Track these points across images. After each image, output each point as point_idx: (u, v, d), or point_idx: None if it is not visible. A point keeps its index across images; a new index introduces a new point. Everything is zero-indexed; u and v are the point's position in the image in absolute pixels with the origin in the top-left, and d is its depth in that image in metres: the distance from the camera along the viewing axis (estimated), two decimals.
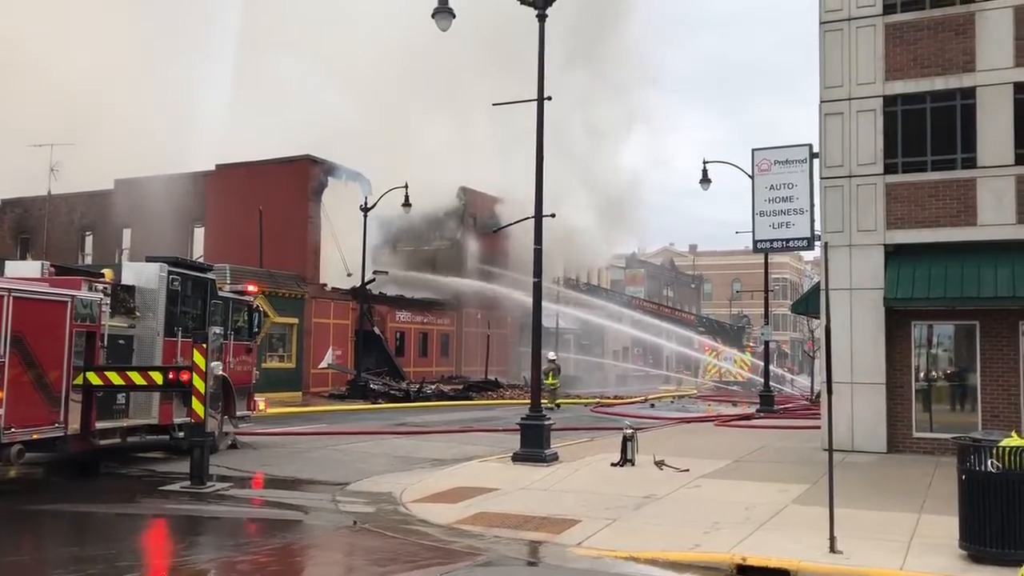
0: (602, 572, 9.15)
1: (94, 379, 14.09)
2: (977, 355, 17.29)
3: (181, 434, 16.19)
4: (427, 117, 50.30)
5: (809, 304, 23.04)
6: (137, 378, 14.43)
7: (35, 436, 13.23)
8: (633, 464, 15.30)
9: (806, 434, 20.96)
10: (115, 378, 14.27)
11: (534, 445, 15.88)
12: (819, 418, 18.90)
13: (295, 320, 38.43)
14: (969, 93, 17.28)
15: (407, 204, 37.79)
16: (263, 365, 30.54)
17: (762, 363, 36.20)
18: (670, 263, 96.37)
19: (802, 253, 73.46)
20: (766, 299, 33.09)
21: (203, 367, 13.72)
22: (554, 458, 15.88)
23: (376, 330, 42.15)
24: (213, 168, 42.94)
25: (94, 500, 13.02)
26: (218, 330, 16.65)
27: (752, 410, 31.06)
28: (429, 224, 47.95)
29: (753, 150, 24.89)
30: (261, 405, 19.89)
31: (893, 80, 17.92)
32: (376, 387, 36.96)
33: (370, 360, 40.41)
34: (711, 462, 15.94)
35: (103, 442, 14.87)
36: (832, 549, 9.32)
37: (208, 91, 53.26)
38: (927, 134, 17.75)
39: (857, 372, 17.53)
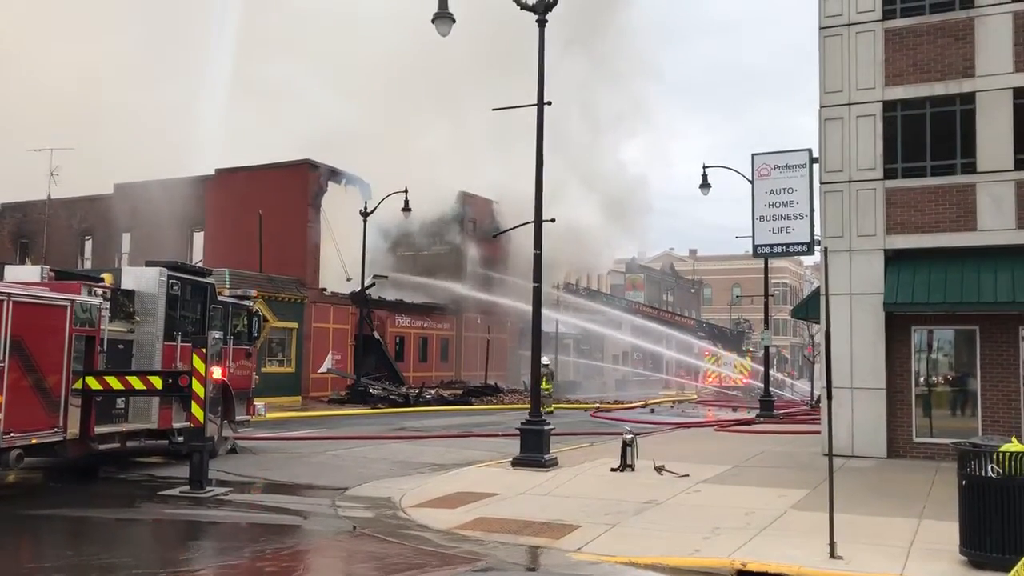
0: None
1: (93, 384, 14.08)
2: (977, 360, 17.28)
3: (180, 439, 16.17)
4: (427, 120, 50.45)
5: (809, 309, 23.04)
6: (136, 383, 14.41)
7: (34, 441, 13.21)
8: (633, 469, 15.27)
9: (806, 439, 20.93)
10: (114, 383, 14.26)
11: (534, 450, 15.86)
12: (819, 423, 18.89)
13: (295, 325, 38.43)
14: (969, 98, 17.30)
15: (407, 209, 37.81)
16: (263, 370, 30.50)
17: (762, 368, 36.19)
18: (670, 268, 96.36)
19: (802, 258, 73.56)
20: (766, 304, 33.09)
21: (202, 371, 13.71)
22: (554, 463, 15.86)
23: (376, 335, 42.14)
24: (213, 172, 42.99)
25: (93, 505, 13.00)
26: (217, 334, 16.62)
27: (752, 415, 31.02)
28: (429, 229, 47.99)
29: (753, 155, 24.91)
30: (261, 410, 19.86)
31: (893, 85, 17.93)
32: (376, 392, 36.94)
33: (370, 365, 40.40)
34: (711, 467, 15.92)
35: (102, 447, 14.84)
36: (832, 555, 9.30)
37: (208, 96, 53.21)
38: (927, 139, 17.76)
39: (857, 377, 17.52)
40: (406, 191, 37.17)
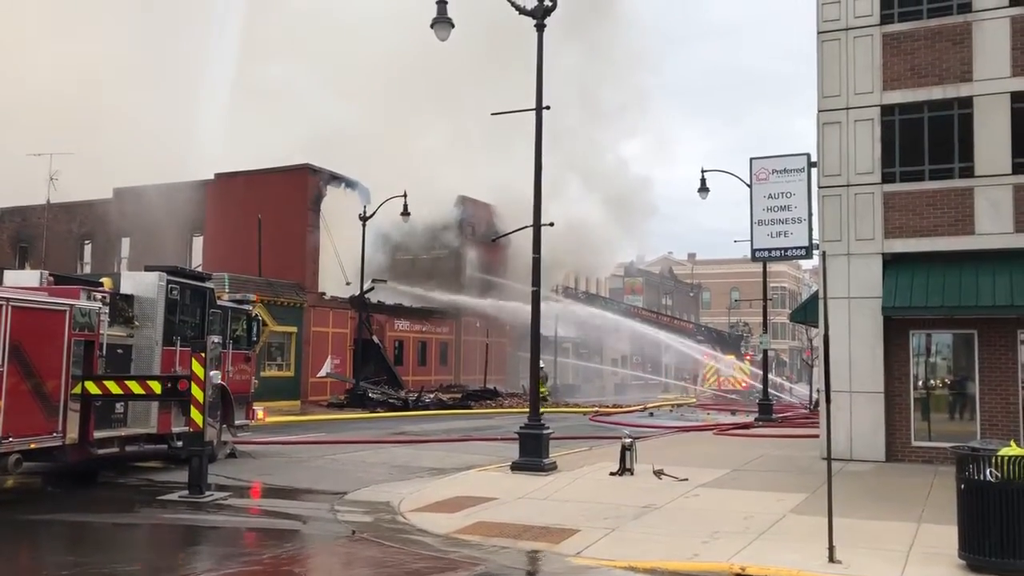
0: None
1: (92, 388, 14.07)
2: (975, 364, 17.30)
3: (179, 443, 16.15)
4: (426, 123, 50.49)
5: (807, 313, 23.05)
6: (135, 387, 14.41)
7: (33, 445, 13.20)
8: (632, 473, 15.28)
9: (805, 443, 20.94)
10: (113, 387, 14.25)
11: (533, 454, 15.86)
12: (818, 427, 18.89)
13: (294, 329, 38.43)
14: (966, 102, 17.34)
15: (406, 213, 37.82)
16: (262, 374, 30.51)
17: (761, 372, 36.20)
18: (669, 272, 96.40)
19: (800, 262, 73.54)
20: (764, 308, 33.10)
21: (201, 376, 13.72)
22: (553, 467, 15.86)
23: (375, 339, 42.13)
24: (212, 177, 42.99)
25: (92, 510, 13.00)
26: (217, 339, 16.65)
27: (751, 419, 31.03)
28: (428, 233, 48.01)
29: (751, 159, 24.93)
30: (260, 414, 19.85)
31: (891, 90, 17.97)
32: (375, 396, 36.91)
33: (369, 369, 40.39)
34: (710, 471, 15.92)
35: (101, 451, 14.83)
36: (831, 559, 9.31)
37: (208, 100, 53.31)
38: (925, 143, 17.79)
39: (855, 381, 17.54)
40: (405, 195, 37.19)
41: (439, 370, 50.12)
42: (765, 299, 33.22)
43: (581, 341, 64.58)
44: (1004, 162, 16.95)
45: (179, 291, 16.76)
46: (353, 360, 40.75)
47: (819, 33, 18.68)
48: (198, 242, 43.91)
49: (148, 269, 17.10)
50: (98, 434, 14.53)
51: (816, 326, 21.12)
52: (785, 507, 12.51)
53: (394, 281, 45.28)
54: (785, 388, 61.31)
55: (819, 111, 18.59)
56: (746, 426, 28.50)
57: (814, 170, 21.47)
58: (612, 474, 15.29)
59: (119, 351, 15.53)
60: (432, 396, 39.20)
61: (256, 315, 20.63)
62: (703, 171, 32.72)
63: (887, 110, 18.00)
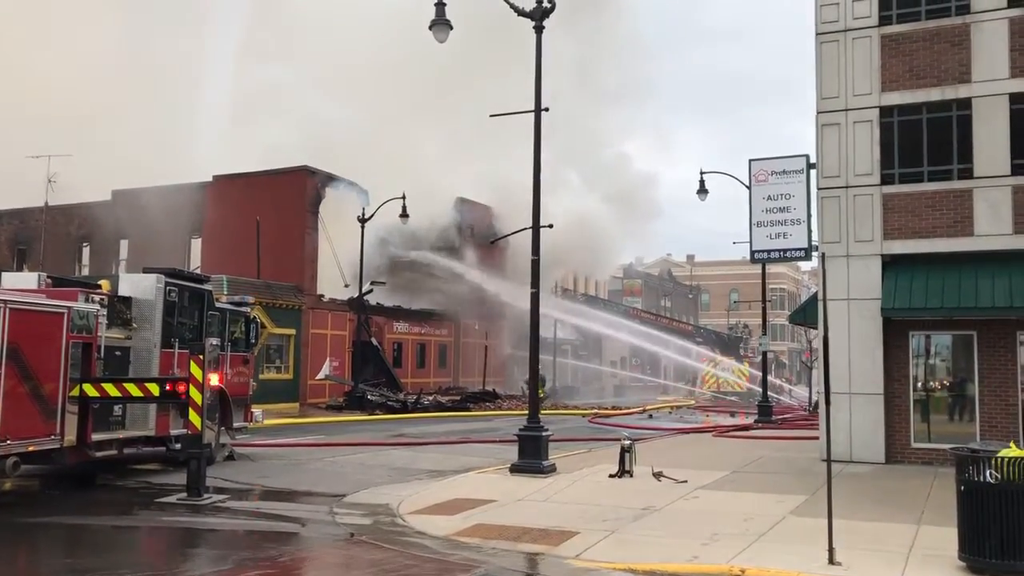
0: None
1: (91, 391, 14.05)
2: (975, 365, 17.30)
3: (178, 446, 16.15)
4: (424, 123, 50.40)
5: (807, 314, 23.06)
6: (134, 390, 14.38)
7: (31, 448, 13.18)
8: (631, 475, 15.26)
9: (804, 445, 20.93)
10: (112, 390, 14.22)
11: (532, 456, 15.84)
12: (817, 428, 18.88)
13: (292, 331, 38.39)
14: (965, 104, 17.34)
15: (404, 215, 37.80)
16: (260, 376, 30.48)
17: (760, 373, 36.19)
18: (668, 273, 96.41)
19: (800, 263, 73.56)
20: (764, 309, 33.09)
21: (200, 378, 13.69)
22: (552, 469, 15.84)
23: (374, 341, 42.10)
24: (210, 179, 42.96)
25: (90, 512, 12.96)
26: (215, 341, 16.62)
27: (750, 421, 31.03)
28: (427, 235, 47.97)
29: (750, 160, 24.97)
30: (258, 416, 19.82)
31: (889, 91, 17.97)
32: (373, 398, 36.89)
33: (367, 371, 40.36)
34: (709, 473, 15.91)
35: (99, 454, 14.80)
36: (831, 561, 9.29)
37: (206, 102, 53.33)
38: (923, 145, 17.79)
39: (855, 382, 17.53)
40: (403, 197, 37.18)
41: (438, 372, 50.10)
42: (764, 301, 33.23)
43: (580, 343, 64.57)
44: (1003, 163, 16.95)
45: (177, 293, 16.74)
46: (352, 362, 40.72)
47: (818, 35, 18.68)
48: (196, 244, 43.87)
49: (146, 271, 17.06)
50: (96, 436, 14.51)
51: (815, 328, 21.12)
52: (785, 509, 12.50)
53: (393, 281, 45.22)
54: (784, 390, 61.30)
55: (818, 113, 18.58)
56: (745, 428, 28.49)
57: (813, 171, 21.48)
58: (611, 476, 15.28)
59: (117, 353, 15.51)
60: (431, 398, 39.17)
61: (254, 317, 20.61)
62: (702, 173, 32.79)
63: (886, 111, 18.00)
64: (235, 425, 18.63)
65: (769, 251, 25.17)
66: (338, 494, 14.19)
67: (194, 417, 13.66)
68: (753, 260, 26.49)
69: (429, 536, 11.06)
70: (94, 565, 9.69)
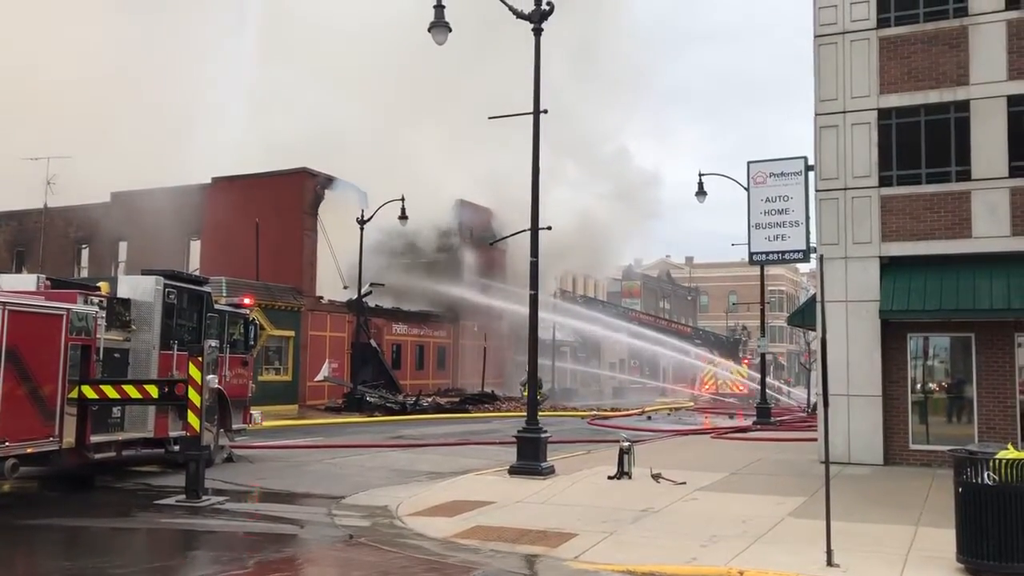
0: None
1: (89, 392, 14.04)
2: (973, 367, 17.31)
3: (176, 447, 16.14)
4: (423, 123, 50.37)
5: (805, 316, 23.07)
6: (132, 391, 14.38)
7: (30, 450, 13.17)
8: (630, 477, 15.27)
9: (803, 446, 20.95)
10: (110, 391, 14.23)
11: (531, 458, 15.85)
12: (816, 430, 18.92)
13: (291, 333, 38.38)
14: (963, 106, 17.37)
15: (403, 217, 37.81)
16: (259, 378, 30.47)
17: (759, 375, 36.20)
18: (666, 275, 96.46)
19: (798, 265, 73.70)
20: (762, 311, 33.13)
21: (199, 380, 13.69)
22: (551, 471, 15.84)
23: (373, 342, 42.10)
24: (210, 181, 42.96)
25: (88, 514, 12.96)
26: (214, 343, 16.62)
27: (749, 422, 31.04)
28: (426, 237, 48.01)
29: (749, 163, 25.01)
30: (257, 418, 19.82)
31: (888, 93, 17.99)
32: (372, 400, 36.89)
33: (366, 373, 40.36)
34: (708, 475, 15.92)
35: (98, 456, 14.80)
36: (829, 562, 9.30)
37: (206, 104, 53.32)
38: (921, 147, 17.81)
39: (853, 384, 17.53)
40: (403, 199, 37.18)
41: (437, 374, 50.10)
42: (763, 302, 33.26)
43: (579, 345, 64.57)
44: (1001, 165, 16.98)
45: (176, 295, 16.74)
46: (351, 364, 40.72)
47: (816, 37, 18.70)
48: (196, 246, 43.85)
49: (145, 273, 17.08)
50: (95, 438, 14.51)
51: (814, 329, 21.14)
52: (783, 510, 12.51)
53: (393, 281, 45.21)
54: (783, 391, 61.30)
55: (816, 115, 18.60)
56: (744, 429, 28.50)
57: (811, 174, 21.52)
58: (610, 478, 15.28)
59: (116, 355, 15.51)
60: (430, 400, 39.16)
61: (253, 319, 20.61)
62: (700, 175, 32.78)
63: (884, 114, 18.02)
64: (234, 427, 18.62)
65: (768, 253, 25.20)
66: (337, 496, 14.19)
67: (193, 419, 13.66)
68: (752, 262, 26.53)
69: (428, 538, 11.06)
70: (92, 567, 9.69)
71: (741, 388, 56.80)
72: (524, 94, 17.15)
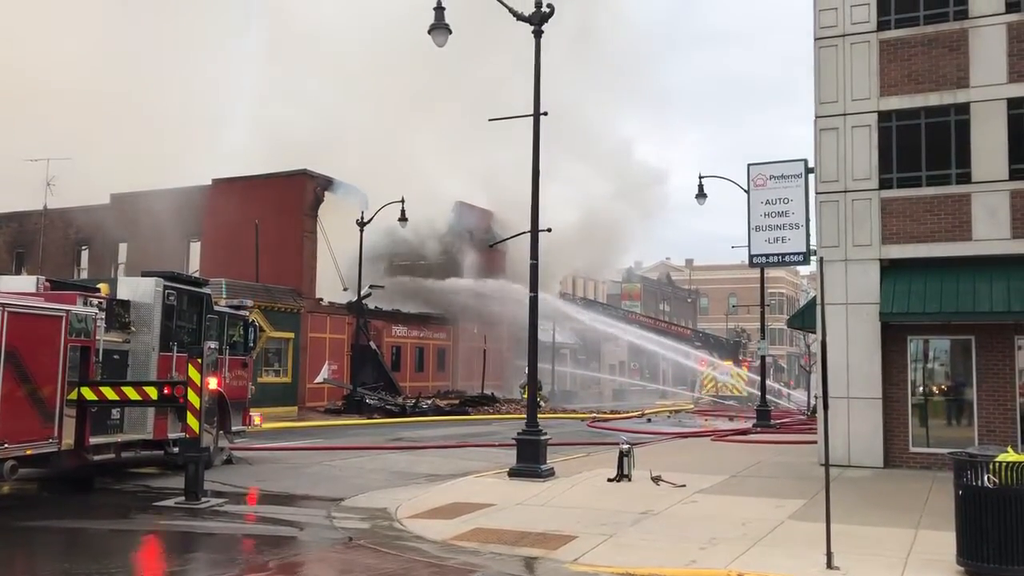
0: None
1: (89, 394, 14.03)
2: (973, 370, 17.30)
3: (176, 449, 16.12)
4: (423, 125, 50.38)
5: (805, 318, 23.07)
6: (132, 393, 14.38)
7: (29, 451, 13.16)
8: (630, 479, 15.25)
9: (803, 449, 20.93)
10: (110, 393, 14.22)
11: (530, 460, 15.83)
12: (816, 433, 18.91)
13: (291, 335, 38.37)
14: (963, 109, 17.38)
15: (403, 219, 37.82)
16: (259, 380, 30.44)
17: (759, 378, 36.19)
18: (666, 278, 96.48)
19: (798, 268, 73.64)
20: (762, 313, 33.11)
21: (198, 382, 13.68)
22: (550, 473, 15.82)
23: (372, 344, 42.08)
24: (209, 182, 42.96)
25: (87, 516, 12.95)
26: (213, 345, 16.61)
27: (749, 425, 31.01)
28: (425, 238, 48.02)
29: (749, 165, 25.04)
30: (256, 420, 19.81)
31: (888, 96, 18.00)
32: (372, 402, 36.87)
33: (366, 375, 40.33)
34: (708, 477, 15.90)
35: (97, 457, 14.79)
36: (829, 565, 9.29)
37: (205, 106, 53.35)
38: (922, 149, 17.82)
39: (853, 387, 17.52)
40: (402, 201, 37.19)
41: (436, 376, 50.07)
42: (763, 305, 33.24)
43: (579, 347, 64.55)
44: (1001, 168, 16.98)
45: (176, 297, 16.73)
46: (350, 366, 40.70)
47: (816, 39, 18.71)
48: (195, 248, 43.84)
49: (145, 275, 17.08)
50: (94, 440, 14.50)
51: (814, 332, 21.13)
52: (783, 513, 12.50)
53: (392, 283, 45.19)
54: (783, 394, 61.30)
55: (816, 117, 18.61)
56: (744, 432, 28.47)
57: (812, 176, 21.51)
58: (610, 480, 15.27)
59: (115, 357, 15.50)
60: (429, 402, 39.12)
61: (253, 321, 20.60)
62: (701, 177, 32.77)
63: (884, 116, 18.02)
64: (233, 429, 18.61)
65: (768, 255, 25.22)
66: (336, 498, 14.18)
67: (192, 421, 13.65)
68: (752, 264, 26.55)
69: (427, 540, 11.05)
70: (91, 569, 9.67)
71: (741, 391, 56.77)
72: (524, 92, 17.15)
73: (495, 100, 34.87)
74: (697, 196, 32.96)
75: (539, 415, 17.22)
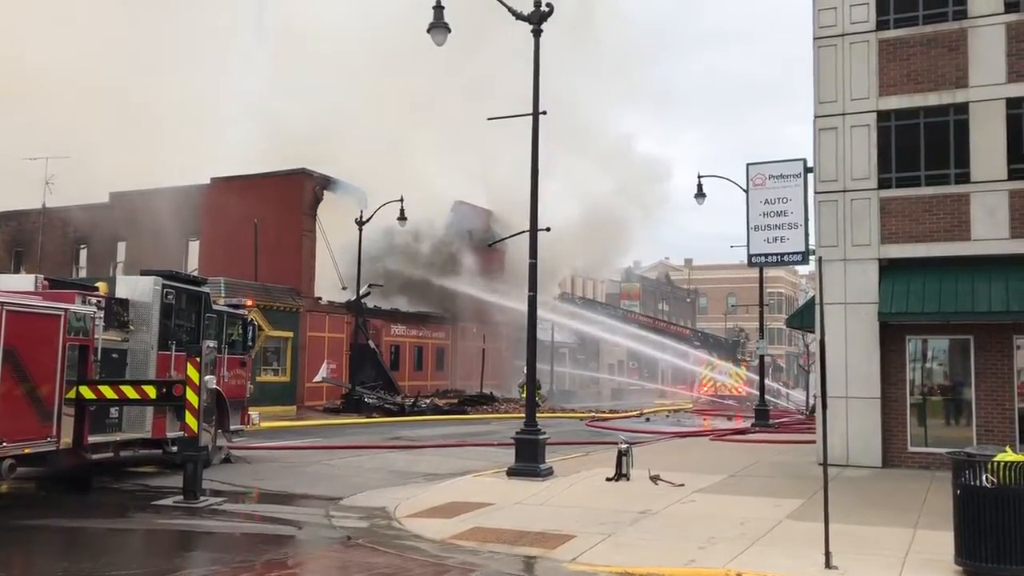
0: None
1: (87, 393, 14.02)
2: (971, 369, 17.32)
3: (174, 448, 16.10)
4: (422, 123, 50.31)
5: (804, 318, 23.09)
6: (130, 392, 14.36)
7: (27, 450, 13.14)
8: (628, 479, 15.26)
9: (801, 448, 20.94)
10: (108, 392, 14.20)
11: (529, 460, 15.83)
12: (814, 432, 18.93)
13: (290, 334, 38.35)
14: (962, 108, 17.39)
15: (402, 218, 37.81)
16: (257, 379, 30.43)
17: (757, 377, 36.21)
18: (665, 277, 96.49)
19: (797, 267, 73.65)
20: (761, 313, 33.12)
21: (196, 381, 13.67)
22: (549, 473, 15.83)
23: (371, 343, 42.07)
24: (208, 181, 42.94)
25: (86, 515, 12.94)
26: (212, 344, 16.60)
27: (747, 424, 31.02)
28: (425, 237, 48.00)
29: (748, 164, 25.05)
30: (255, 419, 19.80)
31: (887, 95, 18.00)
32: (371, 401, 36.86)
33: (365, 374, 40.32)
34: (706, 477, 15.91)
35: (96, 456, 14.77)
36: (827, 565, 9.29)
37: (204, 105, 53.23)
38: (921, 149, 17.83)
39: (852, 386, 17.54)
40: (401, 200, 37.18)
41: (435, 375, 50.07)
42: (762, 304, 33.24)
43: (578, 347, 64.56)
44: (1000, 168, 16.99)
45: (175, 295, 16.72)
46: (349, 365, 40.68)
47: (815, 39, 18.71)
48: (194, 246, 43.82)
49: (144, 273, 17.06)
50: (92, 439, 14.48)
51: (813, 331, 21.15)
52: (782, 513, 12.50)
53: (392, 282, 45.16)
54: (782, 393, 61.31)
55: (815, 117, 18.62)
56: (742, 432, 28.48)
57: (810, 176, 21.51)
58: (608, 479, 15.27)
59: (114, 355, 15.49)
60: (428, 401, 39.11)
61: (252, 320, 20.59)
62: (699, 176, 32.76)
63: (883, 116, 18.03)
64: (232, 428, 18.58)
65: (767, 255, 25.23)
66: (335, 497, 14.18)
67: (190, 420, 13.64)
68: (751, 264, 26.56)
69: (426, 539, 11.05)
70: (90, 568, 9.67)
71: (740, 390, 56.80)
72: (523, 82, 17.12)
73: (494, 94, 34.79)
74: (696, 195, 32.95)
75: (538, 414, 17.21)
